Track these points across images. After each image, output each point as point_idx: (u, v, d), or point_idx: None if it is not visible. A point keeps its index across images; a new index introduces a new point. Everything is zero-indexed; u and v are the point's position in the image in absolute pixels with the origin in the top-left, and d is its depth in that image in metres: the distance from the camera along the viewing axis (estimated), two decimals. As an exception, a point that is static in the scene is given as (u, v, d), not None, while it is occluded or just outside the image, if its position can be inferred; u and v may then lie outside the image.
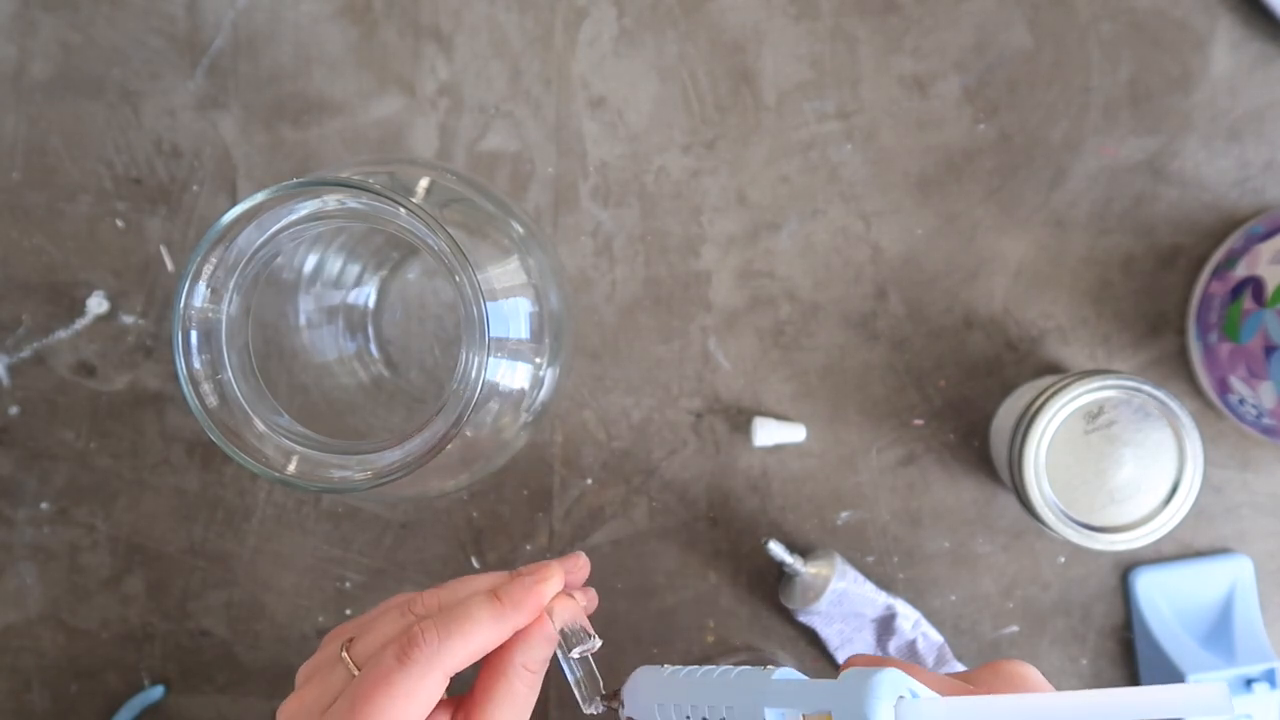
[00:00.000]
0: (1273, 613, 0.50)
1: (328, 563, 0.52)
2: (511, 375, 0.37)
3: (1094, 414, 0.44)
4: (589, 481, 0.52)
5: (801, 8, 0.50)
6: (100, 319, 0.52)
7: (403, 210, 0.33)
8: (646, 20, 0.50)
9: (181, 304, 0.34)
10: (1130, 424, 0.44)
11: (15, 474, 0.53)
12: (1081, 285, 0.50)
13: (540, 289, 0.39)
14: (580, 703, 0.35)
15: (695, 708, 0.32)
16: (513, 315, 0.37)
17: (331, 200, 0.34)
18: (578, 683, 0.35)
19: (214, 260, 0.34)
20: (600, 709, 0.35)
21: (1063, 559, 0.51)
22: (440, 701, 0.34)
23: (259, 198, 0.33)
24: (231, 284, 0.35)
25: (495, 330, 0.34)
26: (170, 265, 0.52)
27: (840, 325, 0.51)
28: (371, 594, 0.52)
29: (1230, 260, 0.47)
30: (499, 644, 0.34)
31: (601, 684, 0.35)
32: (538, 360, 0.38)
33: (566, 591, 0.35)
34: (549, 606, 0.34)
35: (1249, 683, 0.46)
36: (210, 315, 0.35)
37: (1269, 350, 0.43)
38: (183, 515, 0.53)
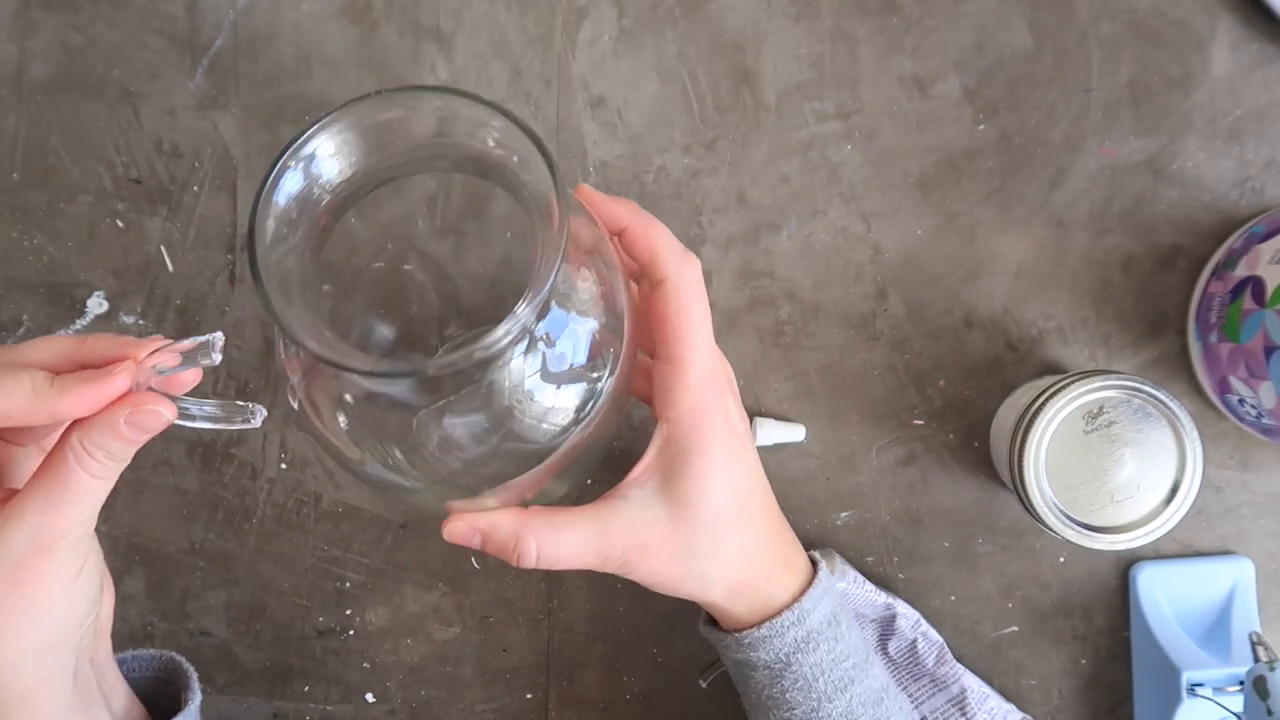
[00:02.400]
0: (1272, 612, 0.50)
1: (328, 563, 0.53)
2: (570, 391, 0.36)
3: (1094, 414, 0.44)
4: (589, 482, 0.52)
5: (801, 8, 0.50)
6: (100, 319, 0.52)
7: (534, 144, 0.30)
8: (646, 20, 0.50)
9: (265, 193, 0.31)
10: (1130, 424, 0.44)
11: (15, 474, 0.53)
12: (1081, 285, 0.50)
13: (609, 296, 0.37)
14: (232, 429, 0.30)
15: None
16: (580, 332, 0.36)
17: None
18: (217, 421, 0.31)
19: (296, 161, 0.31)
20: (258, 419, 0.31)
21: (1063, 559, 0.51)
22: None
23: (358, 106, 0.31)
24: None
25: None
26: (170, 265, 0.52)
27: (840, 325, 0.51)
28: (372, 594, 0.53)
29: (1230, 260, 0.47)
30: (38, 424, 0.29)
31: (237, 404, 0.31)
32: (594, 375, 0.37)
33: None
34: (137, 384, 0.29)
35: (1242, 683, 0.46)
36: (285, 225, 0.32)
37: (1269, 350, 0.43)
38: (183, 515, 0.53)
